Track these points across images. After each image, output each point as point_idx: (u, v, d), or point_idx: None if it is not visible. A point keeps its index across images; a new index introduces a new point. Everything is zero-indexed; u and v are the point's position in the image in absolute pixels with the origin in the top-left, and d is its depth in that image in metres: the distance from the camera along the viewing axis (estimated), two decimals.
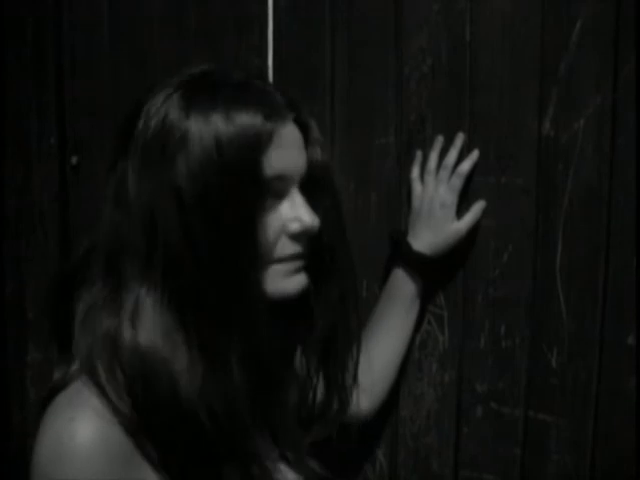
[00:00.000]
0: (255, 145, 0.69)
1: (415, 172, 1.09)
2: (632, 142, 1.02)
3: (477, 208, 1.07)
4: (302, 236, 0.76)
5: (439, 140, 1.08)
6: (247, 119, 0.69)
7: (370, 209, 1.13)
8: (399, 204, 1.12)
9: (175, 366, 0.69)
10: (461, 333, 1.12)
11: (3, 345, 1.29)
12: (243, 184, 0.69)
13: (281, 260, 0.76)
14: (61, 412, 0.67)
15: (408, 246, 1.05)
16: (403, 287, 1.06)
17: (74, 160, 1.21)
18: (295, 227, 0.75)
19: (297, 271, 0.78)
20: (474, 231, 1.07)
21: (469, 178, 1.06)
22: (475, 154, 1.06)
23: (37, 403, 0.71)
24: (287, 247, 0.76)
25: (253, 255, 0.72)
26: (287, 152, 0.73)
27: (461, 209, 1.06)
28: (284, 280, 0.76)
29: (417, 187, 1.08)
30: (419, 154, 1.09)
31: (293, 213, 0.75)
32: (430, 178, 1.06)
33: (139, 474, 0.68)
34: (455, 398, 1.14)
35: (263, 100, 0.72)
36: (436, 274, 1.08)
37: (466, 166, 1.05)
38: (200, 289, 0.69)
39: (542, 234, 1.07)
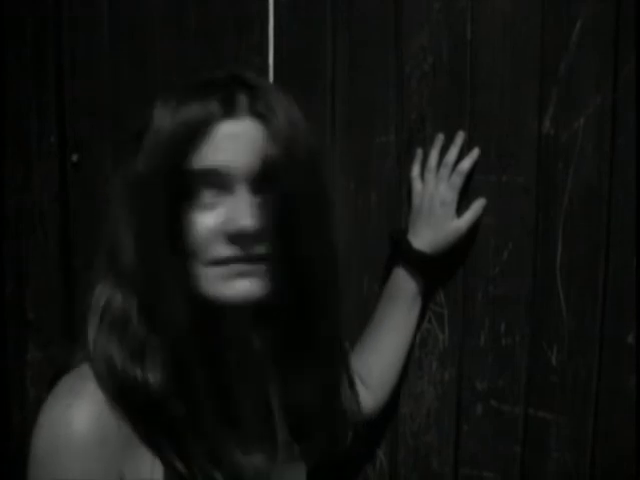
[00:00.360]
0: (186, 139, 0.69)
1: (415, 170, 1.09)
2: (632, 141, 1.03)
3: (477, 206, 1.07)
4: (240, 238, 0.70)
5: (439, 138, 1.08)
6: (186, 114, 0.70)
7: (370, 208, 1.14)
8: (399, 203, 1.12)
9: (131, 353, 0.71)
10: (461, 331, 1.13)
11: (3, 345, 1.28)
12: (169, 176, 0.70)
13: (218, 262, 0.71)
14: (60, 398, 0.68)
15: (408, 245, 1.05)
16: (404, 286, 1.06)
17: (74, 158, 1.21)
18: (229, 228, 0.70)
19: (239, 276, 0.71)
20: (474, 229, 1.08)
21: (469, 176, 1.07)
22: (475, 152, 1.07)
23: (39, 397, 0.71)
24: (223, 249, 0.71)
25: (179, 253, 0.70)
26: (227, 147, 0.70)
27: (461, 207, 1.07)
28: (222, 284, 0.71)
29: (417, 185, 1.08)
30: (419, 153, 1.09)
31: (232, 212, 0.70)
32: (430, 176, 1.07)
33: (136, 460, 0.69)
34: (455, 396, 1.14)
35: (213, 96, 0.71)
36: (436, 272, 1.08)
37: (466, 164, 1.06)
38: (135, 282, 0.72)
39: (542, 232, 1.08)
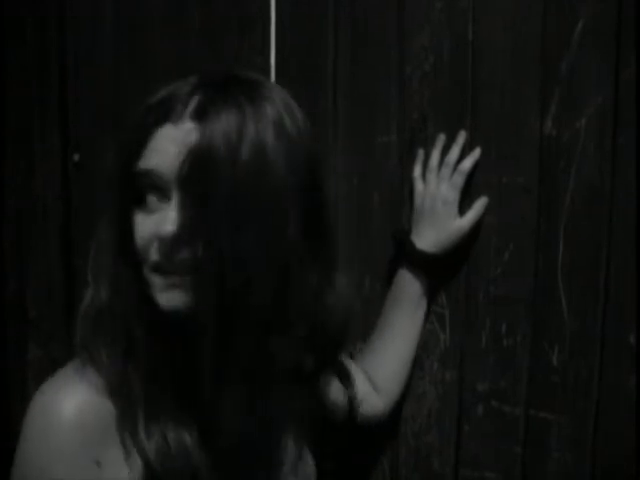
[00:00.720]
0: (134, 140, 0.70)
1: (417, 171, 1.09)
2: (633, 141, 1.03)
3: (479, 205, 1.07)
4: (163, 244, 0.68)
5: (441, 138, 1.08)
6: (139, 117, 0.71)
7: (372, 208, 1.14)
8: (401, 203, 1.12)
9: None
10: (462, 331, 1.13)
11: (4, 343, 1.28)
12: (120, 177, 0.71)
13: (154, 269, 0.70)
14: (52, 383, 0.71)
15: (412, 245, 1.05)
16: (409, 288, 1.07)
17: (76, 157, 1.21)
18: (155, 233, 0.69)
19: (168, 287, 0.69)
20: (477, 228, 1.08)
21: (471, 177, 1.07)
22: (477, 152, 1.07)
23: None
24: (153, 254, 0.69)
25: (131, 255, 0.70)
26: (163, 150, 0.68)
27: (464, 208, 1.07)
28: (157, 293, 0.70)
29: (419, 185, 1.08)
30: (421, 153, 1.09)
31: (161, 218, 0.68)
32: (432, 176, 1.07)
33: (114, 449, 0.70)
34: (456, 397, 1.14)
35: (167, 99, 0.70)
36: (440, 272, 1.08)
37: (468, 163, 1.06)
38: (102, 279, 0.75)
39: (544, 232, 1.08)
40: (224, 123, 0.66)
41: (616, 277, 1.06)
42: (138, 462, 0.71)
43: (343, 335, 0.81)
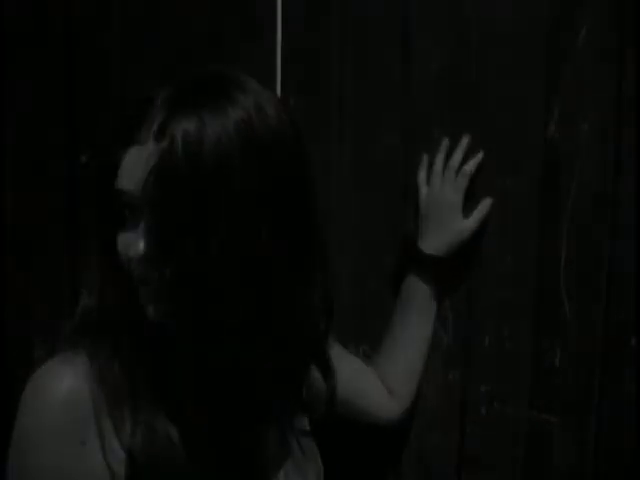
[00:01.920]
0: (109, 160, 0.70)
1: (421, 175, 1.10)
2: (635, 145, 1.03)
3: (484, 206, 1.08)
4: (135, 262, 0.70)
5: (445, 142, 1.09)
6: (112, 133, 0.72)
7: (376, 211, 1.14)
8: (405, 206, 1.13)
9: None
10: (465, 333, 1.13)
11: (9, 344, 1.29)
12: (99, 193, 0.73)
13: (139, 281, 0.72)
14: (46, 367, 0.74)
15: (419, 250, 1.07)
16: (418, 291, 1.08)
17: (83, 158, 1.22)
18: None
19: (147, 300, 0.71)
20: (481, 231, 1.08)
21: (474, 180, 1.08)
22: (480, 155, 1.07)
23: None
24: (135, 269, 0.71)
25: (114, 267, 0.73)
26: (130, 172, 0.68)
27: (468, 212, 1.07)
28: (144, 304, 0.72)
29: (423, 190, 1.09)
30: (425, 157, 1.10)
31: (134, 236, 0.70)
32: (436, 180, 1.08)
33: (100, 431, 0.73)
34: (459, 398, 1.15)
35: (133, 117, 0.70)
36: (444, 274, 1.09)
37: (471, 166, 1.07)
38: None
39: (546, 235, 1.08)
40: (183, 138, 0.65)
41: (618, 280, 1.06)
42: (121, 453, 0.72)
43: (324, 332, 0.82)
